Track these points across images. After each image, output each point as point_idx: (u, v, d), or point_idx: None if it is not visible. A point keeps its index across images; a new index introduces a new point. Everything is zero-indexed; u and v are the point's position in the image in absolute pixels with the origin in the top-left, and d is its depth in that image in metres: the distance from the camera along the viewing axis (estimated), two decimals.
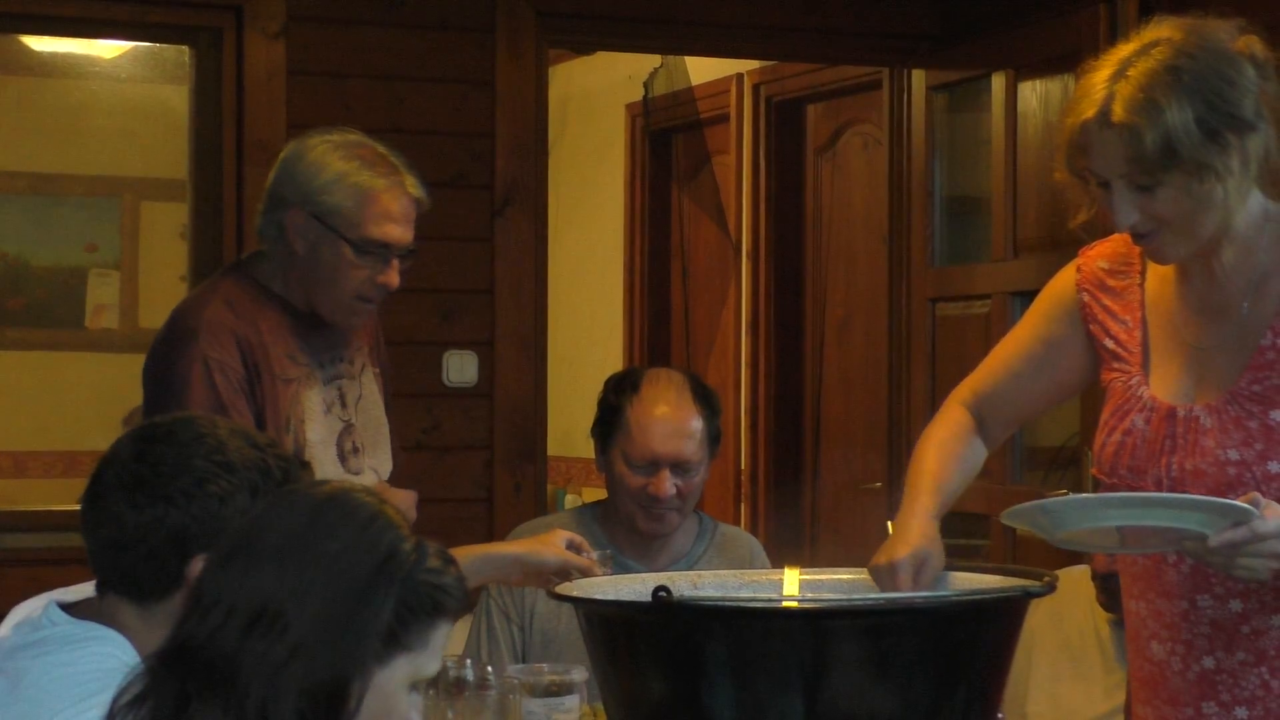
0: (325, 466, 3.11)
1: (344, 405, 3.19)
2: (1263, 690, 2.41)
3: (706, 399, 3.44)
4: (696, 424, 3.38)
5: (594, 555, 2.99)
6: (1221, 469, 2.39)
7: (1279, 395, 2.38)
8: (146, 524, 2.11)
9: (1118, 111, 2.31)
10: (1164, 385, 2.48)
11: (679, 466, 3.37)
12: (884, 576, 2.41)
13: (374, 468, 3.23)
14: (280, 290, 3.15)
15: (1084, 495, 2.30)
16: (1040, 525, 2.30)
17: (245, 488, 2.12)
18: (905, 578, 2.39)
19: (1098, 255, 2.60)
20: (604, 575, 2.87)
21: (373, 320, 3.33)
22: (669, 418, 3.37)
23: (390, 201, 3.10)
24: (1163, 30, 2.37)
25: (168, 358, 3.09)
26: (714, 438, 3.43)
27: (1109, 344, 2.55)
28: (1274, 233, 2.44)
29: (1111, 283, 2.56)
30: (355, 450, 3.19)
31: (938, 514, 2.51)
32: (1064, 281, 2.63)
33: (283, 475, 2.16)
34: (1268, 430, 2.38)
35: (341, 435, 3.18)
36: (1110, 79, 2.34)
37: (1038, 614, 3.59)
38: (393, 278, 3.11)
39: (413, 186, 3.14)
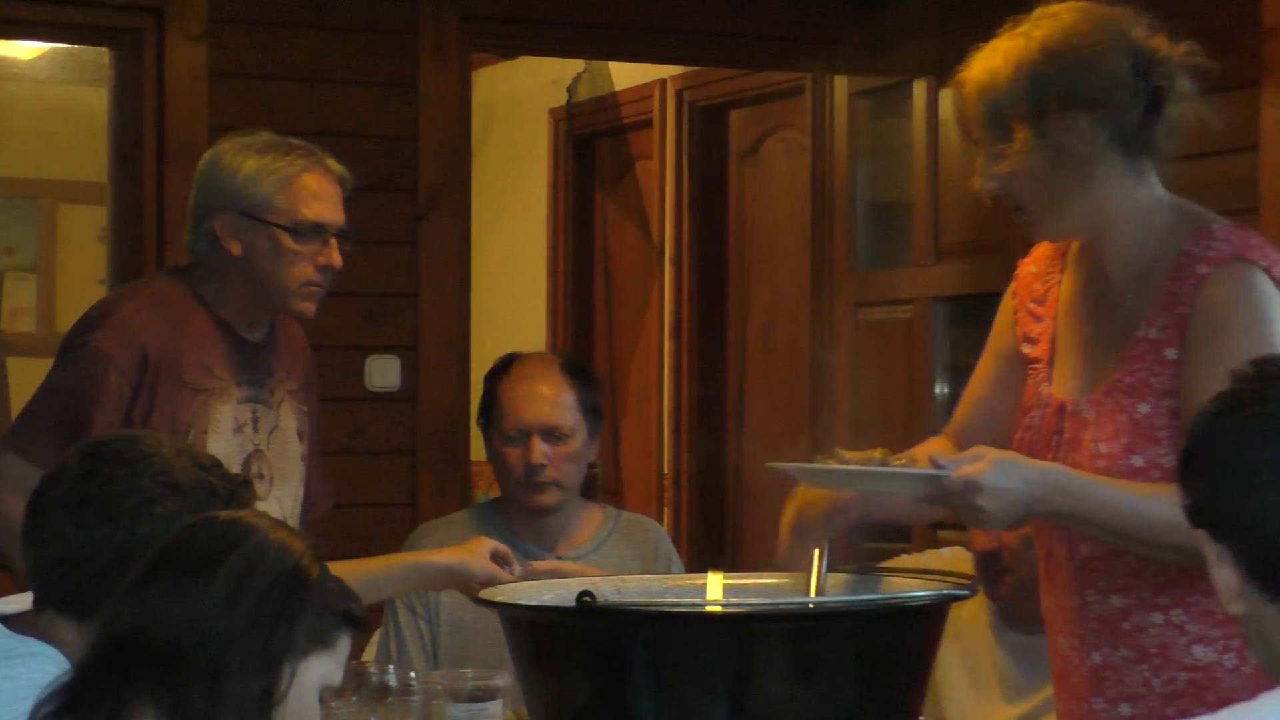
0: None
1: (255, 429, 3.18)
2: (1144, 688, 2.44)
3: (577, 373, 3.50)
4: (563, 392, 3.43)
5: (517, 570, 3.01)
6: (1093, 462, 2.43)
7: (1146, 388, 2.42)
8: (93, 543, 2.10)
9: (971, 76, 2.46)
10: (1064, 380, 2.53)
11: (549, 432, 3.40)
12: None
13: (280, 499, 3.22)
14: (212, 302, 3.16)
15: (822, 467, 2.41)
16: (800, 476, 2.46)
17: (192, 509, 2.12)
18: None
19: (1030, 260, 2.65)
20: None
21: (307, 357, 3.34)
22: (534, 386, 3.43)
23: (314, 182, 3.14)
24: (1054, 9, 2.46)
25: (71, 337, 3.16)
26: (590, 410, 3.46)
27: (1025, 349, 2.59)
28: (1163, 224, 2.47)
29: (1038, 287, 2.61)
30: (260, 476, 3.18)
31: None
32: (1007, 292, 2.67)
33: (228, 496, 2.16)
34: (1134, 424, 2.42)
35: (250, 458, 3.17)
36: (986, 52, 2.47)
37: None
38: (335, 257, 3.15)
39: (333, 165, 3.18)
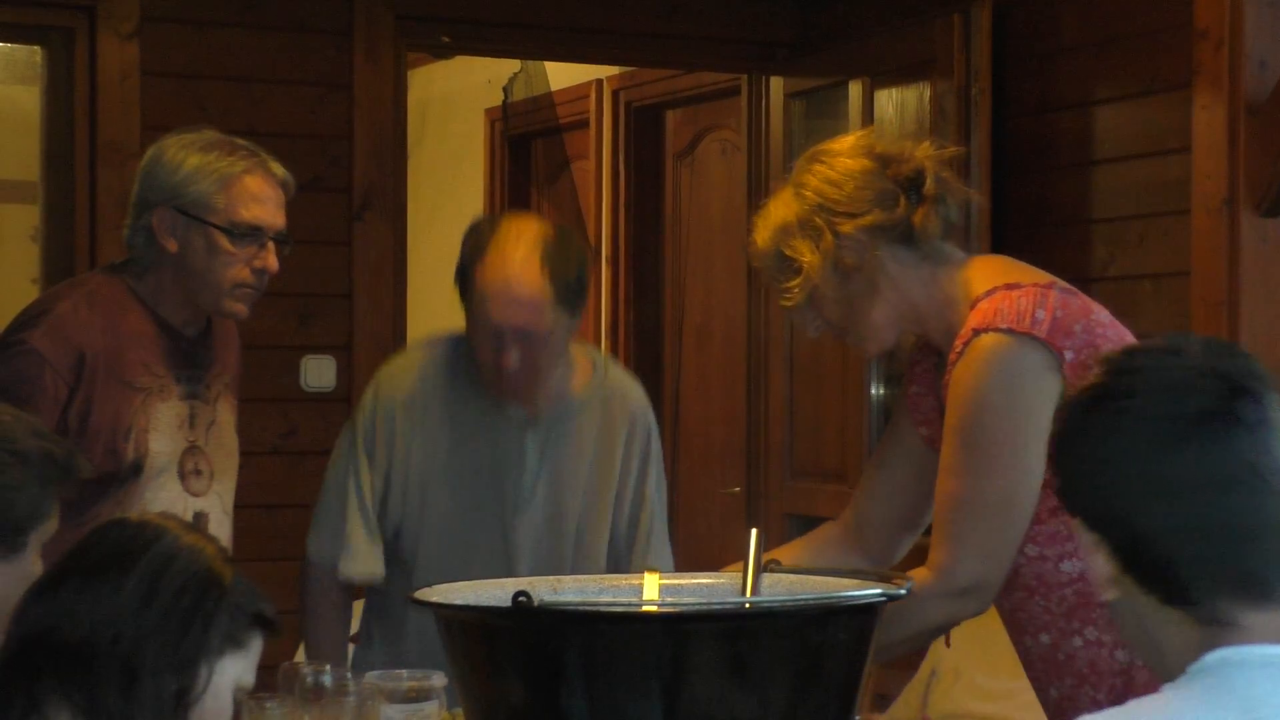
0: (166, 482, 3.10)
1: (193, 426, 3.17)
2: (1098, 709, 2.52)
3: (560, 255, 3.10)
4: (541, 290, 3.06)
5: None
6: None
7: None
8: None
9: (755, 241, 2.66)
10: None
11: (523, 336, 3.07)
12: None
13: (220, 494, 3.21)
14: (148, 299, 3.14)
15: None
16: None
17: (36, 480, 2.15)
18: None
19: (915, 350, 2.80)
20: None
21: (237, 352, 3.32)
22: (510, 285, 3.07)
23: (255, 184, 3.12)
24: (809, 154, 2.67)
25: (6, 335, 3.14)
26: (573, 292, 3.10)
27: (922, 431, 2.75)
28: (961, 296, 2.60)
29: (917, 370, 2.76)
30: (198, 473, 3.16)
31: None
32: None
33: (66, 464, 2.19)
34: None
35: (185, 455, 3.15)
36: (762, 219, 2.66)
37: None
38: (271, 261, 3.13)
39: (276, 168, 3.16)
